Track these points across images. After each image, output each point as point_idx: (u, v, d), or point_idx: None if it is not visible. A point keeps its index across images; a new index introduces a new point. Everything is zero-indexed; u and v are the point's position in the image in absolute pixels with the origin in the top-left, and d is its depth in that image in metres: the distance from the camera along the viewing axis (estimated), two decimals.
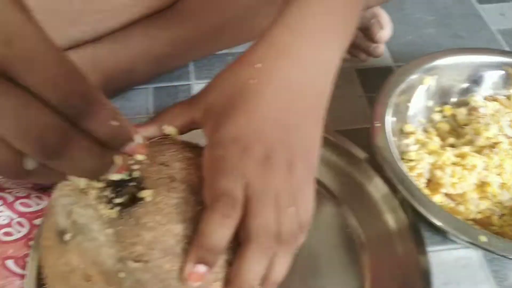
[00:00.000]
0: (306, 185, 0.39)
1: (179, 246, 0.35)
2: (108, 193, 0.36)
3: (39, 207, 0.52)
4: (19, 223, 0.51)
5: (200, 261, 0.33)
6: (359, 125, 0.64)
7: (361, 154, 0.55)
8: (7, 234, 0.51)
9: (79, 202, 0.36)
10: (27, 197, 0.53)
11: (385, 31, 0.63)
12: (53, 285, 0.37)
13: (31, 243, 0.50)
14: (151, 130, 0.41)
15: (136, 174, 0.37)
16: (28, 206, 0.52)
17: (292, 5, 0.40)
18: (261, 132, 0.38)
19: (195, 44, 0.63)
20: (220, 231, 0.34)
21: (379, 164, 0.51)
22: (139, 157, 0.33)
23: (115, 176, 0.36)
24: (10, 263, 0.49)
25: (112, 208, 0.36)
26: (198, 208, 0.37)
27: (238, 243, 0.36)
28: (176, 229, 0.35)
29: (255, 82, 0.39)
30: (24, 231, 0.51)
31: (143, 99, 0.66)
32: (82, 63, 0.56)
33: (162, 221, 0.35)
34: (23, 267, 0.48)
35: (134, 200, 0.36)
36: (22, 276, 0.48)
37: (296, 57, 0.40)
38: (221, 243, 0.34)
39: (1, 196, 0.52)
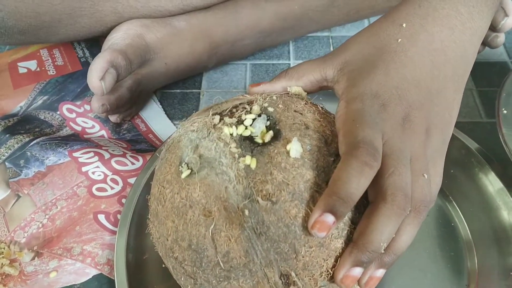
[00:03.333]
0: (439, 157, 0.35)
1: (307, 193, 0.32)
2: (240, 130, 0.35)
3: (134, 167, 0.52)
4: (114, 180, 0.51)
5: (329, 209, 0.30)
6: (468, 119, 0.59)
7: (473, 145, 0.50)
8: (100, 189, 0.51)
9: (208, 137, 0.35)
10: (123, 155, 0.53)
11: (510, 19, 0.57)
12: (162, 222, 0.35)
13: (123, 200, 0.50)
14: (277, 87, 0.40)
15: (270, 113, 0.36)
16: (124, 164, 0.52)
17: None
18: (402, 92, 0.35)
19: (302, 20, 0.61)
20: (357, 178, 0.31)
21: (499, 155, 0.46)
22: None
23: (251, 115, 0.36)
24: (101, 218, 0.49)
25: (241, 146, 0.34)
26: (329, 159, 0.34)
27: (363, 202, 0.33)
28: (307, 175, 0.32)
29: (399, 42, 0.37)
30: (117, 188, 0.51)
31: (241, 74, 0.65)
32: (191, 29, 0.57)
33: (295, 164, 0.33)
34: (114, 223, 0.48)
35: (263, 140, 0.35)
36: (112, 232, 0.48)
37: (445, 21, 0.37)
38: (356, 192, 0.31)
39: (98, 153, 0.53)
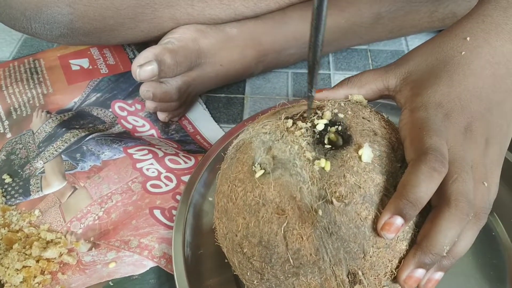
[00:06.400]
0: (496, 167, 0.37)
1: (377, 196, 0.34)
2: (313, 134, 0.37)
3: (187, 166, 0.54)
4: (168, 178, 0.53)
5: (399, 212, 0.32)
6: None
7: (510, 157, 0.52)
8: (155, 186, 0.53)
9: (280, 140, 0.37)
10: (175, 155, 0.55)
11: None
12: (232, 218, 0.37)
13: (178, 197, 0.52)
14: (340, 94, 0.42)
15: (341, 119, 0.38)
16: (177, 163, 0.54)
17: None
18: (464, 102, 0.37)
19: (347, 34, 0.64)
20: (426, 183, 0.33)
21: None
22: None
23: (323, 120, 0.38)
24: (157, 213, 0.51)
25: (315, 149, 0.36)
26: (396, 164, 0.36)
27: (426, 207, 0.35)
28: (377, 179, 0.35)
29: (463, 55, 0.39)
30: (171, 185, 0.53)
31: (283, 82, 0.67)
32: (242, 36, 0.59)
33: (366, 168, 0.35)
34: (169, 219, 0.50)
35: (335, 144, 0.37)
36: (167, 226, 0.50)
37: (508, 37, 0.39)
38: (425, 196, 0.33)
39: (151, 151, 0.55)
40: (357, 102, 0.42)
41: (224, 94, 0.66)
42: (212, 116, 0.63)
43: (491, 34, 0.39)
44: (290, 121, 0.38)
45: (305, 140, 0.37)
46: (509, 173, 0.51)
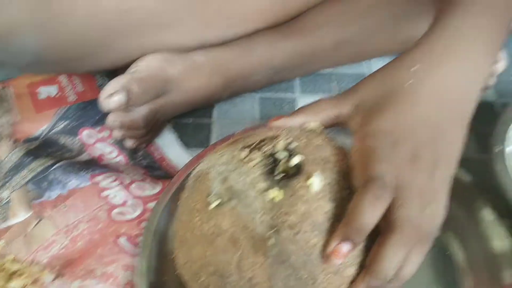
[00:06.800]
0: (444, 189, 0.39)
1: (326, 224, 0.36)
2: (266, 164, 0.38)
3: (154, 192, 0.55)
4: (134, 205, 0.54)
5: (346, 239, 0.34)
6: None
7: (466, 178, 0.54)
8: (121, 213, 0.53)
9: (236, 170, 0.38)
10: (143, 180, 0.56)
11: (500, 64, 0.63)
12: (190, 248, 0.38)
13: (143, 224, 0.53)
14: (296, 121, 0.44)
15: (294, 149, 0.39)
16: (144, 189, 0.55)
17: (449, 15, 0.42)
18: (412, 130, 0.39)
19: (312, 58, 0.66)
20: (370, 210, 0.35)
21: (491, 188, 0.50)
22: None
23: (275, 149, 0.39)
24: (122, 241, 0.51)
25: (268, 179, 0.37)
26: (346, 191, 0.38)
27: (375, 232, 0.36)
28: (327, 207, 0.36)
29: (411, 83, 0.40)
30: (137, 212, 0.53)
31: (249, 106, 0.68)
32: (209, 64, 0.61)
33: (316, 197, 0.36)
34: (134, 246, 0.51)
35: (287, 174, 0.38)
36: (132, 255, 0.50)
37: (453, 65, 0.41)
38: (370, 222, 0.35)
39: (118, 177, 0.56)
40: (312, 130, 0.44)
41: (192, 118, 0.67)
42: (181, 140, 0.64)
43: (437, 64, 0.41)
44: (246, 151, 0.40)
45: (259, 170, 0.38)
46: (463, 193, 0.53)
